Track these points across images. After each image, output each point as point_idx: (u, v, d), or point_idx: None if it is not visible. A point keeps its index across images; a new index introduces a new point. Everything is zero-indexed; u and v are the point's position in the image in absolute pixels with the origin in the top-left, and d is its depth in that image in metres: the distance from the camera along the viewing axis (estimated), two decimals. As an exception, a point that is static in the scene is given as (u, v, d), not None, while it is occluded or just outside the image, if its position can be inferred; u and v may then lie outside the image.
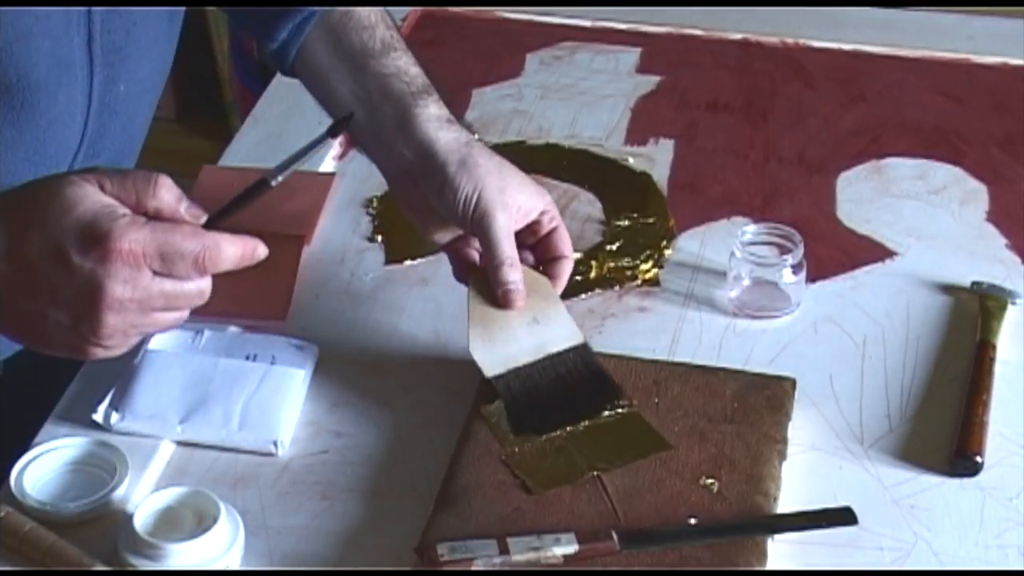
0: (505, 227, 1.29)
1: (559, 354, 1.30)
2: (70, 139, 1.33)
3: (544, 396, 1.28)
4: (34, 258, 1.11)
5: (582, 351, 1.31)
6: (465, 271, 1.34)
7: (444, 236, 1.35)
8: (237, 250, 1.15)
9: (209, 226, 1.15)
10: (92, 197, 1.11)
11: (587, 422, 1.26)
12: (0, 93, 1.26)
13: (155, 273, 1.12)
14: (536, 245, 1.34)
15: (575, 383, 1.29)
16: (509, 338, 1.30)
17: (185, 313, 1.17)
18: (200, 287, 1.15)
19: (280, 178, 1.20)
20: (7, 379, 1.41)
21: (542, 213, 1.33)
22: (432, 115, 1.32)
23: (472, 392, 1.31)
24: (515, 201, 1.30)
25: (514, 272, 1.29)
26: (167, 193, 1.15)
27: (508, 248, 1.29)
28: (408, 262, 1.49)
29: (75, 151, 1.34)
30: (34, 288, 1.11)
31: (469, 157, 1.29)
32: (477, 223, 1.29)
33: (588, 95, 1.73)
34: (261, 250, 1.17)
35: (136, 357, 1.34)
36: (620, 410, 1.27)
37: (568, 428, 1.26)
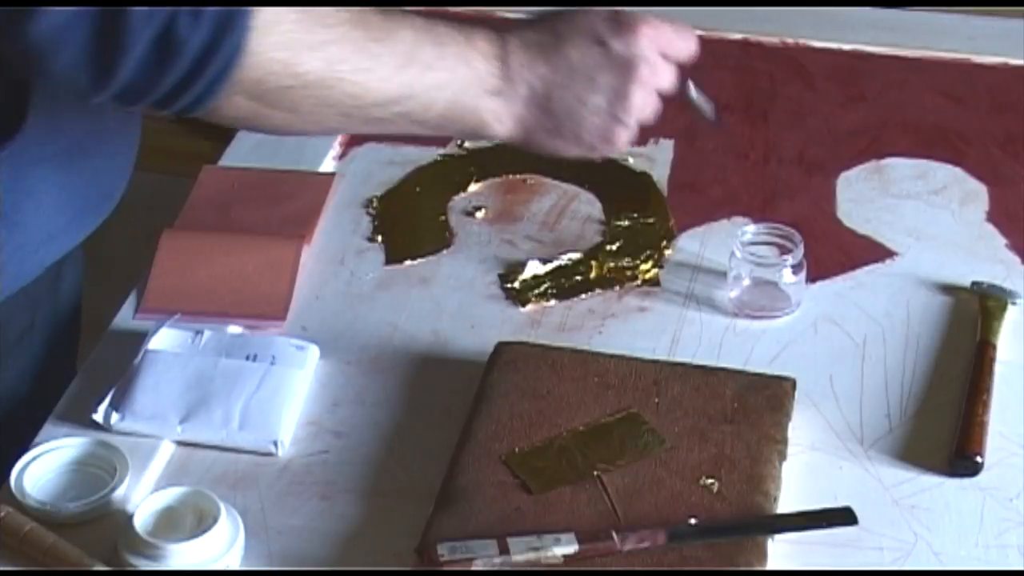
0: None
1: None
2: None
3: None
4: (573, 53, 1.27)
5: None
6: None
7: None
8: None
9: None
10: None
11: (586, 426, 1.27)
12: None
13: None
14: None
15: None
16: None
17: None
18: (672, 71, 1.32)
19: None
20: (7, 379, 1.41)
21: None
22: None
23: (472, 392, 1.31)
24: None
25: None
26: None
27: None
28: (408, 262, 1.49)
29: None
30: (573, 81, 1.27)
31: None
32: None
33: (588, 95, 1.73)
34: None
35: (136, 357, 1.34)
36: None
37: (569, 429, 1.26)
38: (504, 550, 1.15)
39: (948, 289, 1.45)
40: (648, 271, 1.47)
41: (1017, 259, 1.49)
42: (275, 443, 1.28)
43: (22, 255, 1.33)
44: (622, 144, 1.32)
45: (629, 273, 1.47)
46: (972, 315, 1.41)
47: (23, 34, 1.09)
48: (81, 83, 1.13)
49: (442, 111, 1.25)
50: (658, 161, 1.62)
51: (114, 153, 1.39)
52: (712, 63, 1.78)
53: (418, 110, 1.24)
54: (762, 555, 1.17)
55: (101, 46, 1.10)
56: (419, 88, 1.23)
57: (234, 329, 1.39)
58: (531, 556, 1.15)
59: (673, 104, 1.71)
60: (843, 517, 1.21)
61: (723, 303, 1.43)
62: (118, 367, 1.34)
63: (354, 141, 1.65)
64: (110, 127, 1.37)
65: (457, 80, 1.25)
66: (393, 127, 1.26)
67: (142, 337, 1.36)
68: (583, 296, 1.45)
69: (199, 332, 1.36)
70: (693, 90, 1.38)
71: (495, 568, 1.15)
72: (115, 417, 1.30)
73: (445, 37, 1.25)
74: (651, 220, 1.54)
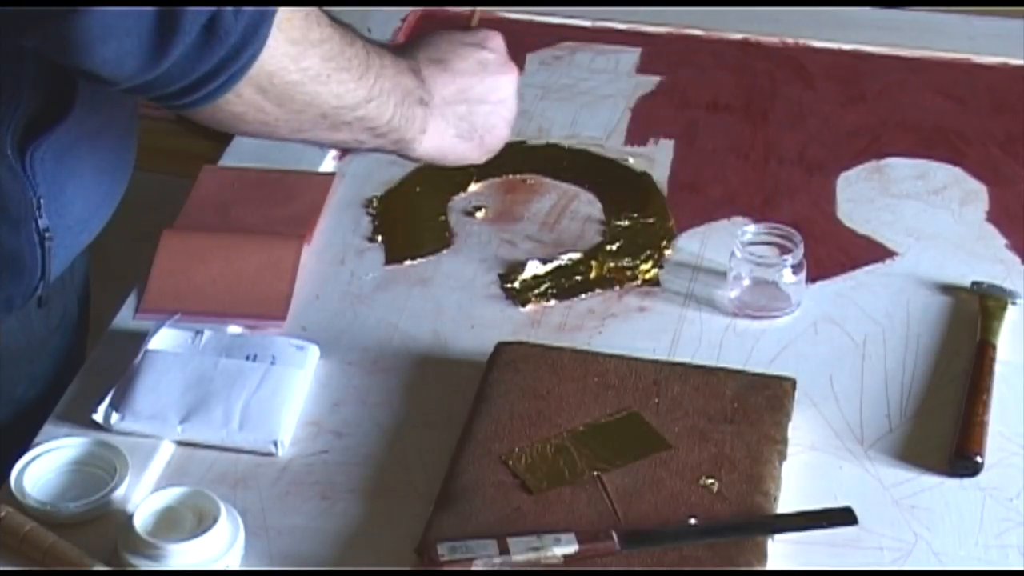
0: None
1: None
2: None
3: None
4: (460, 63, 1.37)
5: None
6: None
7: None
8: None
9: None
10: None
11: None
12: None
13: None
14: None
15: None
16: None
17: None
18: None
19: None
20: (7, 379, 1.41)
21: None
22: None
23: (472, 392, 1.31)
24: None
25: None
26: None
27: None
28: (408, 262, 1.49)
29: None
30: (471, 87, 1.36)
31: None
32: None
33: (588, 95, 1.73)
34: None
35: (136, 357, 1.34)
36: None
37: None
38: (504, 550, 1.15)
39: (948, 289, 1.45)
40: (648, 271, 1.47)
41: (1017, 259, 1.49)
42: (275, 443, 1.28)
43: (68, 240, 1.34)
44: (505, 138, 1.40)
45: (629, 273, 1.47)
46: (972, 315, 1.41)
47: (72, 22, 1.10)
48: (126, 69, 1.15)
49: (389, 118, 1.31)
50: (658, 161, 1.62)
51: (128, 123, 1.40)
52: (712, 63, 1.78)
53: (374, 115, 1.29)
54: (762, 555, 1.17)
55: (159, 31, 1.13)
56: (376, 92, 1.29)
57: (234, 329, 1.39)
58: (531, 556, 1.15)
59: (673, 104, 1.72)
60: (843, 517, 1.21)
61: (723, 303, 1.43)
62: (118, 367, 1.34)
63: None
64: (125, 97, 1.38)
65: (399, 88, 1.31)
66: (350, 135, 1.30)
67: (142, 337, 1.36)
68: (583, 296, 1.45)
69: (199, 332, 1.36)
70: None
71: (495, 568, 1.15)
72: (115, 417, 1.30)
73: (380, 49, 1.32)
74: (651, 220, 1.54)
